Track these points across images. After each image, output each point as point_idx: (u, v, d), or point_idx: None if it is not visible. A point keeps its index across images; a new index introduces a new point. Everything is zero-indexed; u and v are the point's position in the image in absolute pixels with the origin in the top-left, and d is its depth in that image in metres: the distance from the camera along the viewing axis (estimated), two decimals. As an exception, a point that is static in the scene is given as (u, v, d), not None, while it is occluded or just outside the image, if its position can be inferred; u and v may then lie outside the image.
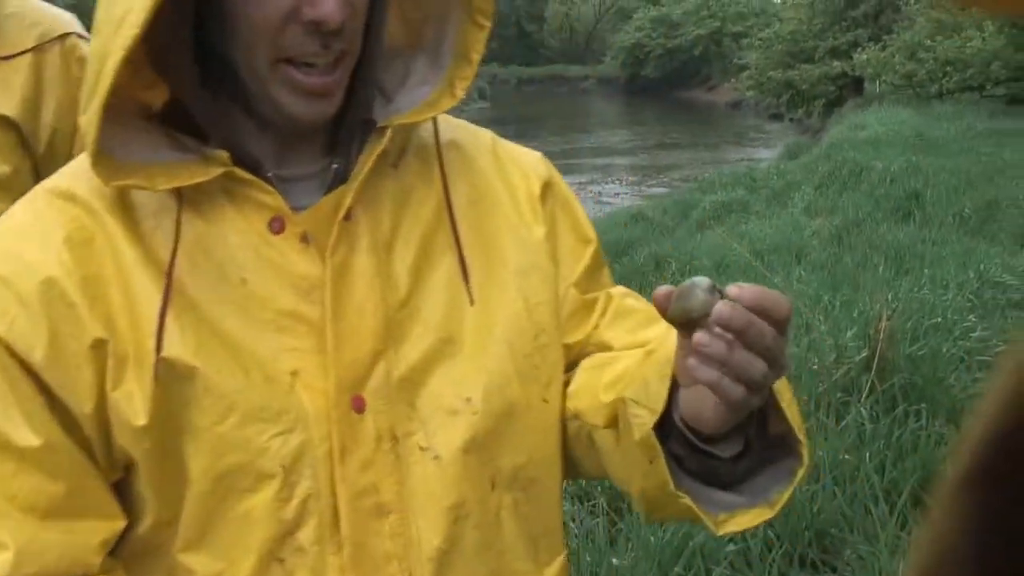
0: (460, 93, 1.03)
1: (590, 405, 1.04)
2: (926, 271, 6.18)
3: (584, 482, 3.56)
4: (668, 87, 52.24)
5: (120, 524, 0.96)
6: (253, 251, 0.95)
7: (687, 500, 0.95)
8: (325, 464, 0.95)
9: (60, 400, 0.92)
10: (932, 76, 19.99)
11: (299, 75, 0.92)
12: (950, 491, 0.25)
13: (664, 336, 1.01)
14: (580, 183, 17.22)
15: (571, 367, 1.11)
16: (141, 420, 0.91)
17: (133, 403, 0.91)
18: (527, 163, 1.14)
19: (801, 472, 0.97)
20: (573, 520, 3.29)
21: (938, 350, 4.42)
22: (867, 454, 3.51)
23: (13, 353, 0.91)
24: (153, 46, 0.92)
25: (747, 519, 0.97)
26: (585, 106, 46.44)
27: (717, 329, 0.85)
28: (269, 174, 0.97)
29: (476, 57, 1.03)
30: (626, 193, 15.99)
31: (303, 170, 1.01)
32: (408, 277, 1.01)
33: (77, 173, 0.97)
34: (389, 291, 0.99)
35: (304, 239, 0.96)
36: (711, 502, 0.97)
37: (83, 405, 0.92)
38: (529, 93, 58.96)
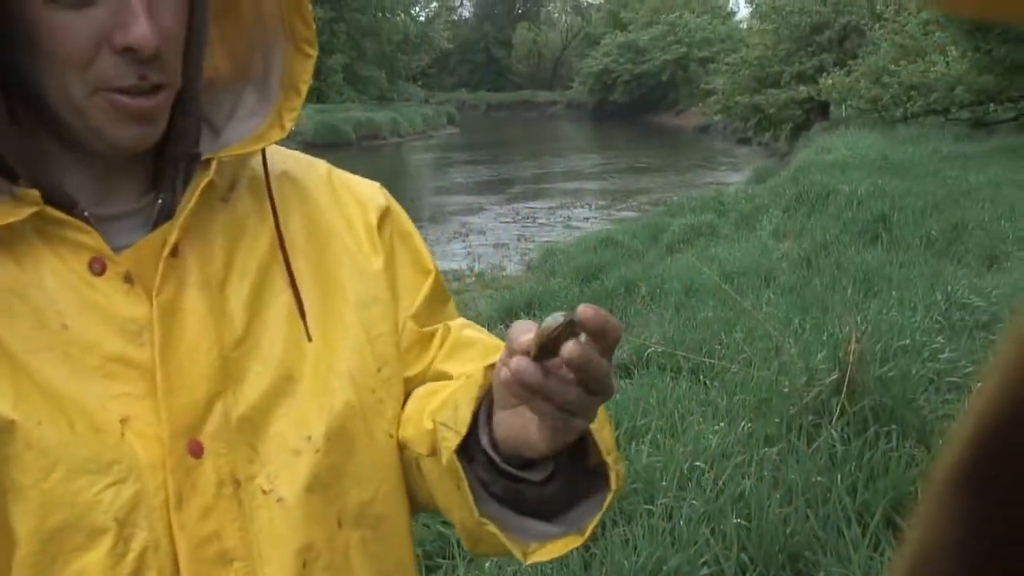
0: (289, 125, 0.99)
1: (415, 433, 1.02)
2: (894, 293, 6.21)
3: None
4: (636, 112, 52.63)
5: None
6: (74, 294, 0.90)
7: (491, 527, 0.94)
8: (162, 514, 0.90)
9: None
10: (897, 100, 20.23)
11: (119, 98, 0.87)
12: (935, 494, 0.25)
13: (486, 364, 1.00)
14: (550, 207, 17.27)
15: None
16: None
17: None
18: (364, 193, 1.12)
19: (609, 498, 0.96)
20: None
21: (907, 371, 4.44)
22: (839, 476, 3.51)
23: None
24: None
25: (556, 548, 0.96)
26: (554, 131, 46.65)
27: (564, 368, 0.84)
28: (85, 213, 0.91)
29: (304, 88, 1.00)
30: (596, 217, 16.02)
31: (124, 207, 0.96)
32: (244, 314, 0.97)
33: None
34: (225, 329, 0.95)
35: (128, 279, 0.91)
36: (522, 531, 0.96)
37: None
38: (498, 119, 59.19)
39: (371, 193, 1.12)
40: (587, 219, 15.72)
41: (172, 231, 0.93)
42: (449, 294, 1.16)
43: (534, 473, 0.95)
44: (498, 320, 7.80)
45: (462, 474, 0.93)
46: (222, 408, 0.93)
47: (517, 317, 7.53)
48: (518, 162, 28.10)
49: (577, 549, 3.17)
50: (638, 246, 10.51)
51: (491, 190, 20.31)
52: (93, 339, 0.90)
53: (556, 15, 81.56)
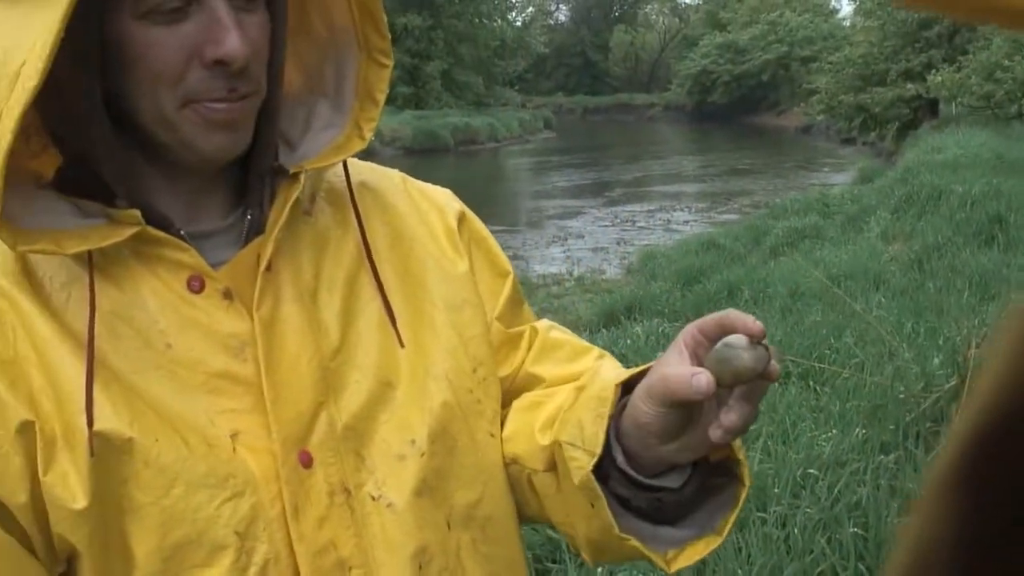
0: (368, 134, 1.00)
1: (527, 449, 1.02)
2: (1012, 296, 6.00)
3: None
4: (736, 113, 51.96)
5: None
6: (174, 313, 0.91)
7: (633, 542, 0.93)
8: (280, 525, 0.91)
9: None
10: (1011, 96, 19.54)
11: (208, 106, 0.88)
12: (931, 493, 0.25)
13: (594, 370, 1.02)
14: (649, 211, 17.15)
15: (503, 403, 1.08)
16: (80, 502, 0.85)
17: (69, 485, 0.85)
18: (440, 199, 1.13)
19: (744, 493, 0.97)
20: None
21: (1030, 377, 4.27)
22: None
23: None
24: (47, 108, 0.88)
25: (697, 550, 0.96)
26: (652, 134, 46.32)
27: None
28: (181, 231, 0.92)
29: (381, 97, 1.00)
30: (696, 220, 15.85)
31: (214, 225, 0.97)
32: (338, 324, 0.98)
33: None
34: (322, 340, 0.96)
35: (227, 295, 0.92)
36: (657, 540, 0.95)
37: (16, 496, 0.85)
38: (595, 122, 59.05)
39: (446, 199, 1.13)
40: (687, 222, 15.56)
41: (266, 246, 0.94)
42: (522, 297, 1.17)
43: (671, 479, 0.95)
44: (598, 324, 7.77)
45: (599, 492, 0.93)
46: (327, 418, 0.94)
47: (617, 321, 7.50)
48: (616, 165, 27.98)
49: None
50: (740, 249, 10.35)
51: (589, 194, 20.25)
52: (197, 356, 0.91)
53: (654, 17, 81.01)
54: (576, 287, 10.44)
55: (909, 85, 25.06)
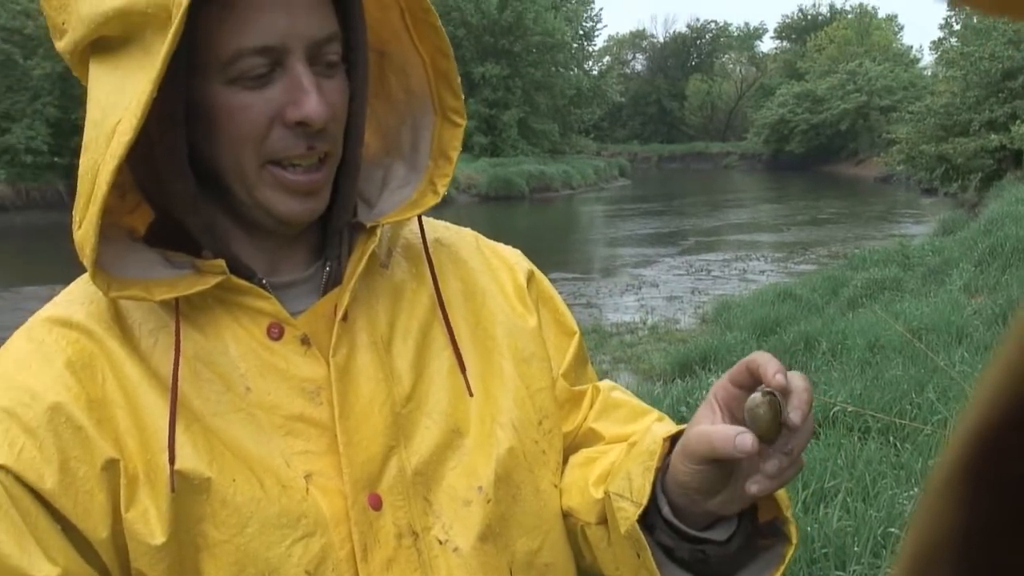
0: (442, 190, 1.04)
1: (581, 502, 1.05)
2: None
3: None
4: (813, 162, 51.47)
5: None
6: (254, 358, 0.96)
7: None
8: (349, 565, 0.94)
9: (75, 528, 0.88)
10: (1098, 148, 19.05)
11: (286, 174, 0.93)
12: (938, 487, 0.25)
13: (647, 428, 1.05)
14: (724, 260, 17.02)
15: (563, 458, 1.12)
16: (159, 538, 0.89)
17: (149, 522, 0.89)
18: (511, 258, 1.18)
19: (791, 552, 0.98)
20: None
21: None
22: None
23: (24, 483, 0.87)
24: (139, 168, 0.94)
25: None
26: (728, 183, 46.07)
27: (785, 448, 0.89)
28: (264, 281, 0.98)
29: (454, 154, 1.05)
30: (772, 270, 15.68)
31: (294, 276, 1.02)
32: (410, 372, 1.02)
33: (71, 300, 0.98)
34: (394, 387, 1.00)
35: (305, 342, 0.97)
36: None
37: (98, 531, 0.89)
38: (670, 170, 58.98)
39: (516, 258, 1.18)
40: (763, 272, 15.40)
41: (343, 296, 0.99)
42: (586, 356, 1.21)
43: (717, 533, 0.97)
44: (672, 374, 7.72)
45: (645, 542, 0.96)
46: (397, 462, 0.98)
47: (692, 371, 7.44)
48: (691, 214, 27.87)
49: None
50: (817, 300, 10.22)
51: (663, 242, 20.19)
52: (275, 400, 0.95)
53: (730, 66, 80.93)
54: (650, 336, 10.38)
55: (992, 136, 24.55)
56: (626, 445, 1.06)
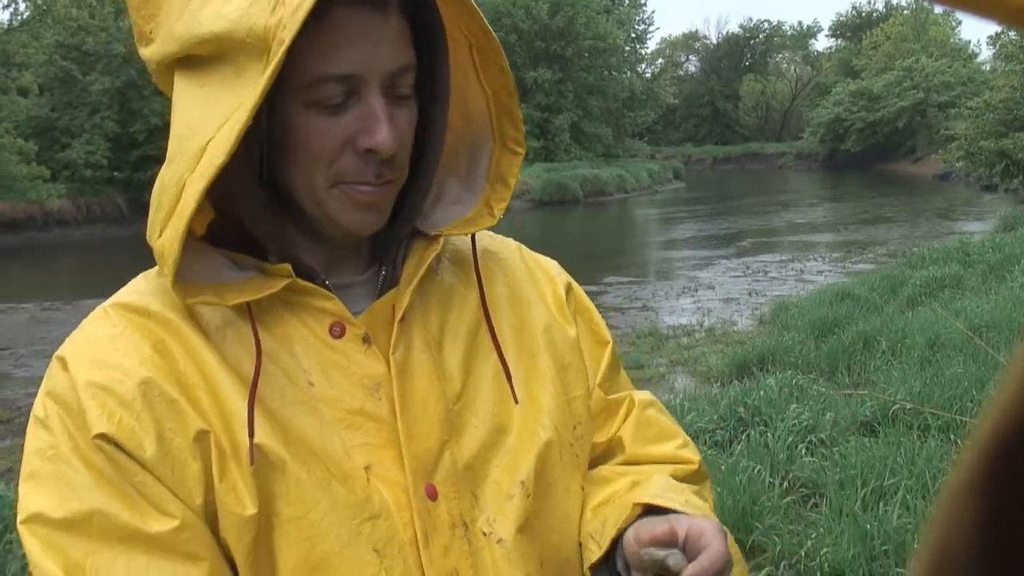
0: (498, 214, 1.10)
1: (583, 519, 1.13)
2: None
3: (802, 565, 3.45)
4: (870, 161, 50.76)
5: None
6: (317, 356, 1.01)
7: None
8: (412, 550, 0.99)
9: (174, 492, 0.93)
10: None
11: (353, 192, 0.98)
12: (954, 494, 0.25)
13: (648, 475, 1.13)
14: (781, 261, 16.88)
15: (591, 464, 1.18)
16: (250, 509, 0.94)
17: (239, 494, 0.94)
18: (551, 270, 1.23)
19: None
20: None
21: None
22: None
23: (125, 450, 0.92)
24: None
25: None
26: (783, 183, 45.60)
27: None
28: (327, 282, 1.03)
29: (513, 181, 1.11)
30: (829, 270, 15.51)
31: (351, 278, 1.07)
32: (460, 372, 1.08)
33: (144, 292, 1.02)
34: (446, 385, 1.05)
35: (366, 340, 1.02)
36: None
37: (193, 499, 0.93)
38: (724, 172, 58.53)
39: (556, 270, 1.24)
40: (821, 272, 15.24)
41: (403, 298, 1.04)
42: (618, 363, 1.27)
43: None
44: (730, 375, 7.69)
45: None
46: (450, 456, 1.03)
47: (750, 372, 7.41)
48: (747, 215, 27.65)
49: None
50: (876, 300, 10.10)
51: (719, 244, 20.07)
52: (336, 395, 1.01)
53: (785, 65, 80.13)
54: (707, 338, 10.34)
55: (1055, 130, 24.05)
56: (629, 483, 1.12)
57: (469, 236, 1.12)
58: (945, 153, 30.18)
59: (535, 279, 1.20)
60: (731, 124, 73.88)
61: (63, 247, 23.95)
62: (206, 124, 0.92)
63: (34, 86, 28.25)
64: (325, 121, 0.96)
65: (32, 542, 0.92)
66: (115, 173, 28.09)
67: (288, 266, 1.00)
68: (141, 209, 27.09)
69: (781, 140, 69.73)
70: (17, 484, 0.97)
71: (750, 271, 15.73)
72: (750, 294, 13.39)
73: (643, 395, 1.25)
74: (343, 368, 1.01)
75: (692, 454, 1.21)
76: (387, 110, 0.97)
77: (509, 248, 1.23)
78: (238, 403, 0.96)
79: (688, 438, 1.24)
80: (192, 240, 0.99)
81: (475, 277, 1.12)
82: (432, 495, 1.01)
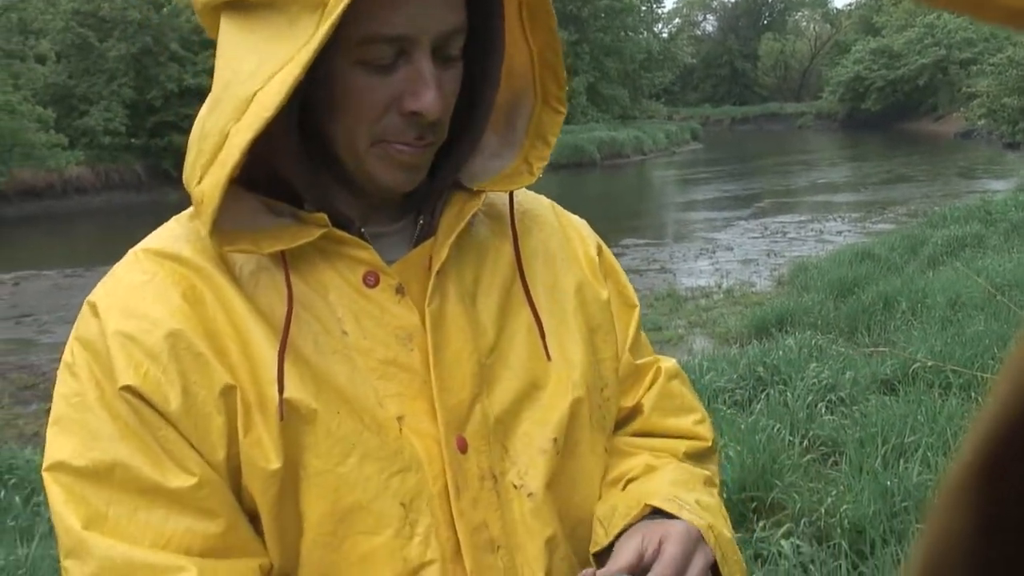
0: (537, 171, 1.09)
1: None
2: None
3: (822, 523, 3.47)
4: (890, 120, 50.26)
5: (267, 562, 0.97)
6: (351, 304, 1.00)
7: None
8: (442, 502, 0.99)
9: (195, 449, 0.94)
10: None
11: (393, 151, 0.97)
12: (951, 490, 0.25)
13: (659, 468, 1.12)
14: (800, 221, 16.78)
15: (616, 427, 1.18)
16: (274, 463, 0.94)
17: (264, 448, 0.94)
18: (582, 229, 1.23)
19: None
20: (812, 562, 3.20)
21: None
22: None
23: (150, 403, 0.93)
24: None
25: None
26: (803, 143, 45.24)
27: None
28: (362, 230, 1.02)
29: (553, 139, 1.09)
30: (849, 231, 15.40)
31: (388, 227, 1.07)
32: (493, 326, 1.07)
33: (176, 237, 1.02)
34: (480, 338, 1.05)
35: (399, 290, 1.02)
36: None
37: (216, 453, 0.94)
38: (743, 133, 58.10)
39: (586, 230, 1.23)
40: (840, 233, 15.15)
41: (441, 250, 1.03)
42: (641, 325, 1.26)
43: None
44: (749, 336, 7.69)
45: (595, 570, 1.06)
46: (481, 409, 1.03)
47: (768, 333, 7.40)
48: (765, 176, 27.47)
49: (847, 567, 3.10)
50: (896, 259, 10.05)
51: (738, 205, 19.96)
52: (369, 344, 1.00)
53: (804, 24, 79.20)
54: (725, 299, 10.32)
55: (1079, 86, 23.73)
56: (645, 466, 1.13)
57: (518, 184, 1.10)
58: (967, 111, 29.86)
59: (568, 238, 1.19)
60: (749, 84, 73.19)
61: (83, 214, 24.06)
62: (255, 73, 0.91)
63: (51, 53, 28.26)
64: (373, 80, 0.95)
65: (54, 490, 0.94)
66: (133, 140, 28.15)
67: (324, 215, 0.99)
68: (159, 175, 27.26)
69: (800, 100, 69.09)
70: (44, 450, 0.97)
71: (769, 232, 15.65)
72: (769, 255, 13.33)
73: (669, 363, 1.24)
74: (376, 318, 1.01)
75: (707, 431, 1.22)
76: (435, 73, 0.96)
77: (543, 205, 1.22)
78: (268, 354, 0.96)
79: (705, 413, 1.25)
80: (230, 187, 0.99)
81: (511, 232, 1.12)
82: (462, 447, 1.01)
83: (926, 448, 3.91)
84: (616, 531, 1.05)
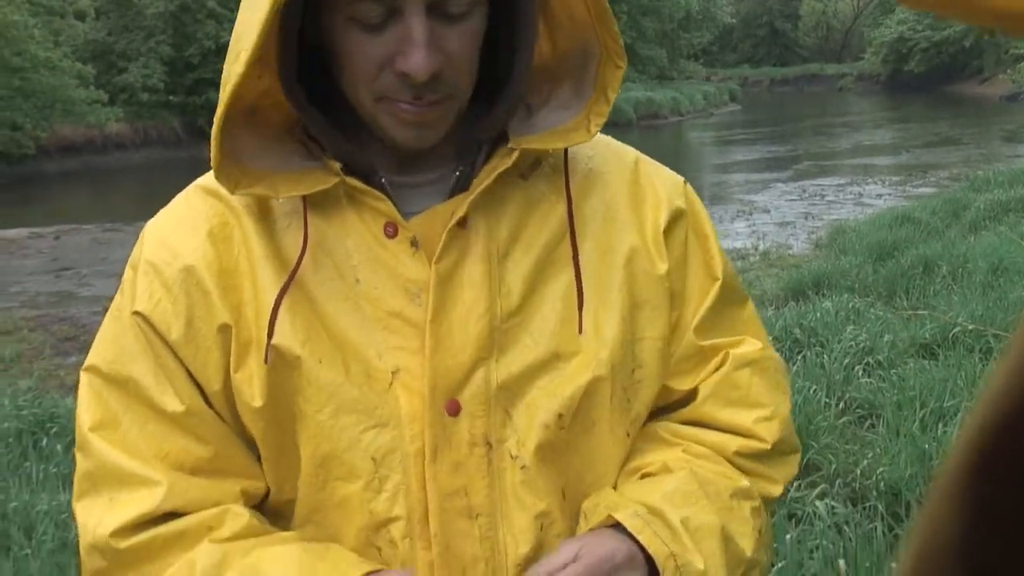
0: (594, 129, 1.04)
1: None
2: None
3: (858, 484, 3.45)
4: (934, 82, 49.37)
5: (262, 485, 1.05)
6: (368, 253, 1.00)
7: None
8: (416, 462, 0.99)
9: (194, 377, 1.02)
10: None
11: (397, 109, 0.96)
12: (943, 485, 0.25)
13: (673, 472, 1.06)
14: (839, 184, 16.58)
15: (667, 411, 1.12)
16: (258, 401, 1.00)
17: (252, 385, 1.00)
18: (663, 192, 1.12)
19: None
20: (847, 523, 3.19)
21: None
22: None
23: (156, 330, 1.02)
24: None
25: None
26: (843, 105, 44.63)
27: None
28: (383, 180, 1.01)
29: (612, 96, 1.04)
30: (889, 194, 15.18)
31: (425, 176, 1.05)
32: (521, 287, 1.03)
33: None
34: (500, 300, 1.02)
35: (414, 243, 1.00)
36: None
37: (212, 383, 1.02)
38: (782, 94, 57.34)
39: (669, 193, 1.13)
40: (880, 196, 14.95)
41: (462, 205, 1.01)
42: (740, 298, 1.16)
43: None
44: (785, 299, 7.63)
45: None
46: (484, 374, 1.01)
47: (805, 296, 7.34)
48: (804, 138, 27.13)
49: (883, 529, 3.09)
50: (937, 223, 9.90)
51: (775, 167, 19.73)
52: (379, 294, 1.00)
53: (846, -17, 77.78)
54: (762, 262, 10.23)
55: None
56: (660, 463, 1.08)
57: (571, 141, 1.05)
58: (1013, 73, 29.23)
59: (638, 201, 1.11)
60: (790, 45, 72.10)
61: (122, 170, 24.24)
62: (246, 32, 0.94)
63: (90, 10, 28.34)
64: (365, 38, 0.95)
65: (83, 388, 1.05)
66: (171, 97, 28.22)
67: (337, 164, 1.00)
68: (196, 132, 27.36)
69: (841, 61, 68.03)
70: None
71: (806, 194, 15.47)
72: (806, 217, 13.19)
73: (746, 349, 1.13)
74: (390, 269, 1.01)
75: (769, 431, 1.11)
76: (430, 32, 0.94)
77: (623, 161, 1.14)
78: (271, 298, 1.00)
79: (778, 411, 1.13)
80: (279, 130, 1.03)
81: (565, 189, 1.07)
82: (454, 411, 1.00)
83: (965, 412, 3.87)
84: (590, 527, 1.03)
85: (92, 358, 1.05)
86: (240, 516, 1.01)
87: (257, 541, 1.00)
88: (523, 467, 1.02)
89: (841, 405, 4.41)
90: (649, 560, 1.00)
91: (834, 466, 3.61)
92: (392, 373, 1.00)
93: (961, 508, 0.24)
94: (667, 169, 1.18)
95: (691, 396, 1.12)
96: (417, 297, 1.01)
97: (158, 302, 1.02)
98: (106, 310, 1.08)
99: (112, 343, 1.04)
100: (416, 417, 1.00)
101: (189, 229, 1.04)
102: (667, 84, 43.10)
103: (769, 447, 1.11)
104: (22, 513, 3.75)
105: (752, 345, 1.14)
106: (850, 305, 6.29)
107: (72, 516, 1.07)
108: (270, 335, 0.99)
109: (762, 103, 48.00)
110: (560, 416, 1.03)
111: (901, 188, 15.90)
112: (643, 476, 1.08)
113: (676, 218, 1.11)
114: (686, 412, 1.12)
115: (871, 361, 5.03)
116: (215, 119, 0.96)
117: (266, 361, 0.99)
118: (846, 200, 14.74)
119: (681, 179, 1.17)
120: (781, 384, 1.16)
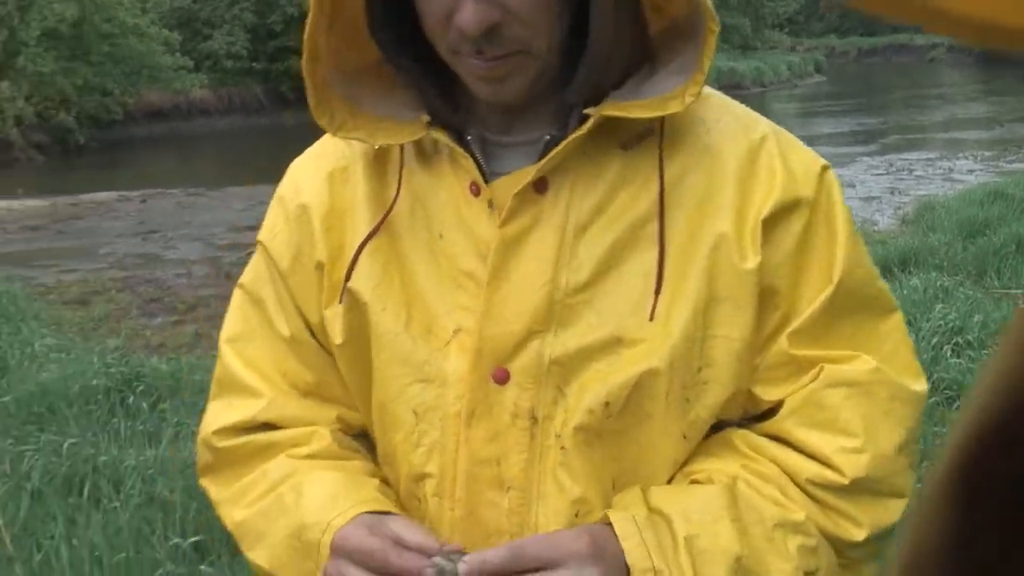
0: (689, 99, 0.95)
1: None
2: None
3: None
4: (1030, 54, 47.68)
5: (353, 416, 1.11)
6: (453, 210, 1.01)
7: None
8: (454, 423, 0.98)
9: (299, 306, 1.09)
10: None
11: (468, 64, 0.95)
12: (932, 489, 0.24)
13: (713, 484, 0.98)
14: (928, 159, 16.15)
15: (755, 420, 1.03)
16: (339, 339, 1.05)
17: (335, 324, 1.05)
18: (785, 175, 1.01)
19: None
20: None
21: None
22: None
23: (272, 258, 1.10)
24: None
25: None
26: (933, 77, 43.40)
27: None
28: (468, 138, 1.00)
29: (707, 64, 0.95)
30: (981, 170, 14.73)
31: (521, 137, 1.02)
32: (595, 263, 0.97)
33: None
34: (567, 273, 0.97)
35: (491, 205, 0.99)
36: None
37: (312, 315, 1.08)
38: (870, 65, 55.98)
39: (792, 178, 1.01)
40: (971, 171, 14.52)
41: (530, 172, 0.97)
42: (871, 309, 1.03)
43: None
44: (870, 275, 7.46)
45: None
46: (536, 347, 0.97)
47: (891, 273, 7.17)
48: (892, 110, 26.47)
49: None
50: (1032, 200, 9.59)
51: (861, 140, 19.29)
52: (456, 252, 1.00)
53: (939, -49, 75.44)
54: (846, 237, 10.02)
55: None
56: (708, 474, 0.99)
57: (688, 110, 0.97)
58: (1115, 45, 28.05)
59: (748, 183, 1.00)
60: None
61: (206, 136, 24.68)
62: None
63: (176, -24, 28.80)
64: None
65: (233, 301, 1.15)
66: (253, 64, 28.60)
67: (424, 119, 0.99)
68: (278, 99, 27.70)
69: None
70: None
71: (893, 169, 15.10)
72: (892, 192, 12.88)
73: (850, 368, 1.00)
74: (469, 227, 1.00)
75: (849, 465, 0.97)
76: None
77: (748, 136, 1.03)
78: (359, 241, 1.04)
79: (873, 444, 0.98)
80: (395, 75, 1.03)
81: (658, 165, 1.00)
82: (501, 379, 0.97)
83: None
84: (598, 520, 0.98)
85: (244, 275, 1.15)
86: (322, 438, 1.08)
87: (324, 463, 1.05)
88: (563, 448, 0.98)
89: (929, 385, 4.30)
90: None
91: (921, 448, 3.53)
92: (453, 332, 0.99)
93: (951, 509, 0.24)
94: (807, 151, 1.06)
95: (777, 408, 1.02)
96: (486, 259, 0.99)
97: (277, 233, 1.10)
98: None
99: (255, 265, 1.13)
100: (462, 378, 0.99)
101: (314, 168, 1.11)
102: (750, 54, 42.43)
103: (847, 482, 0.97)
104: (111, 467, 3.86)
105: (865, 364, 1.00)
106: (938, 283, 6.13)
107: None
108: (347, 277, 1.03)
109: (848, 74, 46.94)
110: (607, 404, 0.97)
111: (994, 163, 15.41)
112: (692, 482, 1.00)
113: (790, 207, 1.00)
114: (768, 425, 1.02)
115: (960, 341, 4.90)
116: (304, 68, 1.00)
117: (340, 301, 1.04)
118: (935, 175, 14.35)
119: (820, 165, 1.05)
120: (894, 414, 1.00)
